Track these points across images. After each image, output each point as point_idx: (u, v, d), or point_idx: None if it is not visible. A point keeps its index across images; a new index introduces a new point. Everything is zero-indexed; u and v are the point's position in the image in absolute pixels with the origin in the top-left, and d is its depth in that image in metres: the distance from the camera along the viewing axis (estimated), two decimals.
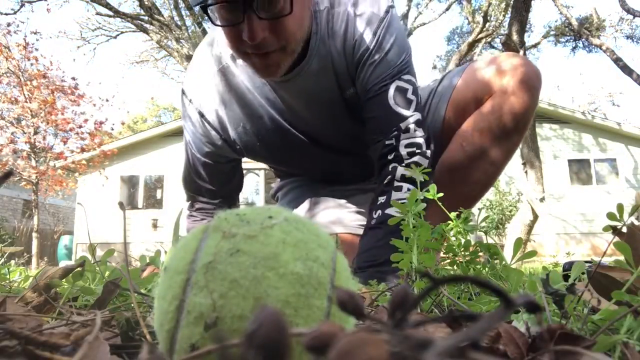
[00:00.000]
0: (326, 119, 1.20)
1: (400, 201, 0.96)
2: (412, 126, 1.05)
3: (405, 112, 1.05)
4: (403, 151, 1.04)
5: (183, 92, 1.25)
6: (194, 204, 1.38)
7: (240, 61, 1.14)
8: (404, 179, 1.03)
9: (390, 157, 1.06)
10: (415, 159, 1.04)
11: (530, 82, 1.15)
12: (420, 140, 1.05)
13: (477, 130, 1.18)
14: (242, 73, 1.16)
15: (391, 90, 1.05)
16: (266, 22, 0.90)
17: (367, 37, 1.06)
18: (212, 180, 1.31)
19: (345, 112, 1.19)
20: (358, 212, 1.41)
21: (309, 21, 1.03)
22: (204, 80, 1.19)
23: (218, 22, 0.93)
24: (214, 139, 1.22)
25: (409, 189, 1.00)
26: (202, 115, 1.20)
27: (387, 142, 1.06)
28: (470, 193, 1.26)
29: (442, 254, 0.77)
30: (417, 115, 1.06)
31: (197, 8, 0.92)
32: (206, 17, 0.92)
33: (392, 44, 1.07)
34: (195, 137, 1.24)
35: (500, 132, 1.17)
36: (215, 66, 1.18)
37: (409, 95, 1.06)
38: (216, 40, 1.18)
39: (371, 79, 1.07)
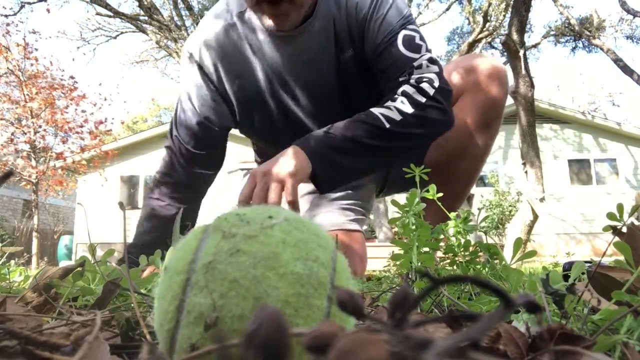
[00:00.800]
0: (319, 84, 1.21)
1: (388, 109, 1.03)
2: (424, 63, 1.09)
3: (415, 56, 1.10)
4: (412, 80, 1.08)
5: (185, 49, 1.25)
6: (160, 183, 1.29)
7: (247, 18, 1.17)
8: (404, 94, 1.05)
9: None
10: (423, 85, 1.06)
11: (498, 76, 1.23)
12: (432, 75, 1.08)
13: (456, 127, 1.22)
14: (248, 31, 1.18)
15: (399, 40, 1.10)
16: None
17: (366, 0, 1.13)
18: (197, 143, 1.24)
19: (335, 78, 1.20)
20: (346, 209, 1.40)
21: None
22: (208, 36, 1.20)
23: None
24: (212, 92, 1.21)
25: (402, 102, 1.04)
26: (200, 68, 1.20)
27: (400, 80, 1.09)
28: (457, 190, 1.30)
29: (442, 254, 0.77)
30: (429, 54, 1.10)
31: None
32: None
33: (393, 1, 1.13)
34: (192, 90, 1.22)
35: (478, 125, 1.24)
36: (221, 23, 1.19)
37: (417, 41, 1.11)
38: (228, 0, 1.22)
39: (379, 34, 1.11)
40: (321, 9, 1.13)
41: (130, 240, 1.26)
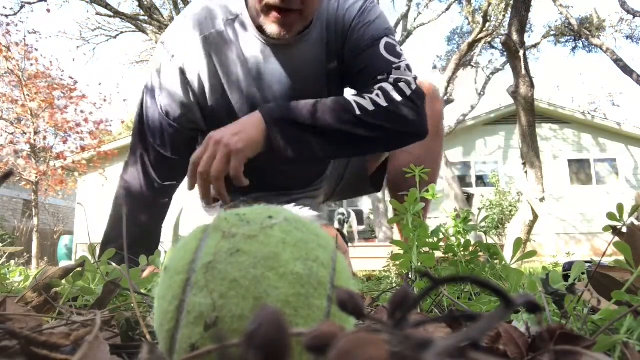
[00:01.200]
0: (311, 93, 1.19)
1: (362, 98, 1.07)
2: (403, 65, 1.14)
3: (395, 60, 1.14)
4: (391, 79, 1.12)
5: (164, 46, 1.20)
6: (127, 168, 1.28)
7: (237, 27, 1.16)
8: (381, 88, 1.09)
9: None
10: (401, 85, 1.09)
11: (436, 93, 1.41)
12: (410, 79, 1.12)
13: None
14: (237, 41, 1.17)
15: (382, 44, 1.15)
16: None
17: (356, 7, 1.18)
18: (166, 144, 1.23)
19: (325, 87, 1.22)
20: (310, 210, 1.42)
21: None
22: (193, 39, 1.16)
23: None
24: (190, 99, 1.18)
25: (378, 95, 1.07)
26: (183, 73, 1.16)
27: (379, 78, 1.12)
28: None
29: (441, 254, 0.77)
30: (407, 61, 1.16)
31: None
32: None
33: (379, 15, 1.20)
34: (168, 94, 1.19)
35: (433, 133, 1.32)
36: (209, 28, 1.16)
37: (398, 49, 1.17)
38: (217, 4, 1.19)
39: (363, 38, 1.16)
40: (318, 19, 1.15)
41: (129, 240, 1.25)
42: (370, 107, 1.05)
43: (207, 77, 1.17)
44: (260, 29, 1.11)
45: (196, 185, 1.01)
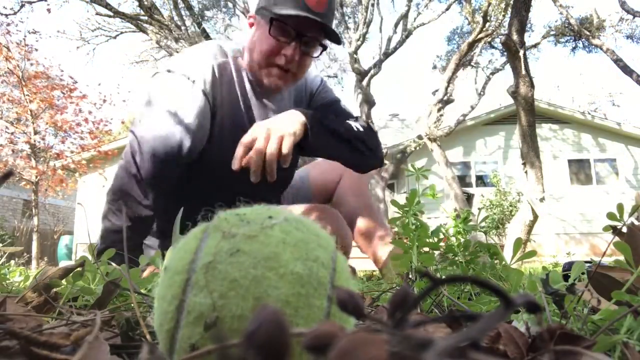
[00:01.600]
0: None
1: (353, 123, 1.34)
2: (364, 118, 1.48)
3: (355, 114, 1.45)
4: (361, 121, 1.40)
5: (179, 74, 1.24)
6: (125, 193, 1.34)
7: (240, 67, 1.34)
8: (359, 123, 1.36)
9: None
10: (370, 125, 1.37)
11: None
12: (373, 128, 1.39)
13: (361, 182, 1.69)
14: (239, 76, 1.33)
15: (341, 103, 1.51)
16: (301, 53, 1.26)
17: (318, 79, 1.54)
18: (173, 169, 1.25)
19: None
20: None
21: None
22: (210, 65, 1.27)
23: (272, 33, 1.22)
24: (209, 119, 1.26)
25: (358, 126, 1.35)
26: (205, 95, 1.24)
27: (350, 120, 1.39)
28: (379, 219, 1.68)
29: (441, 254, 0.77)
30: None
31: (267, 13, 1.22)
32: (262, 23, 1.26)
33: (332, 90, 1.55)
34: (196, 111, 1.21)
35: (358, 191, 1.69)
36: (220, 58, 1.30)
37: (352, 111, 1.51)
38: (225, 44, 1.36)
39: (325, 98, 1.50)
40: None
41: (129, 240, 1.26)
42: (361, 129, 1.35)
43: (217, 105, 1.29)
44: (253, 75, 1.31)
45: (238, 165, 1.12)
